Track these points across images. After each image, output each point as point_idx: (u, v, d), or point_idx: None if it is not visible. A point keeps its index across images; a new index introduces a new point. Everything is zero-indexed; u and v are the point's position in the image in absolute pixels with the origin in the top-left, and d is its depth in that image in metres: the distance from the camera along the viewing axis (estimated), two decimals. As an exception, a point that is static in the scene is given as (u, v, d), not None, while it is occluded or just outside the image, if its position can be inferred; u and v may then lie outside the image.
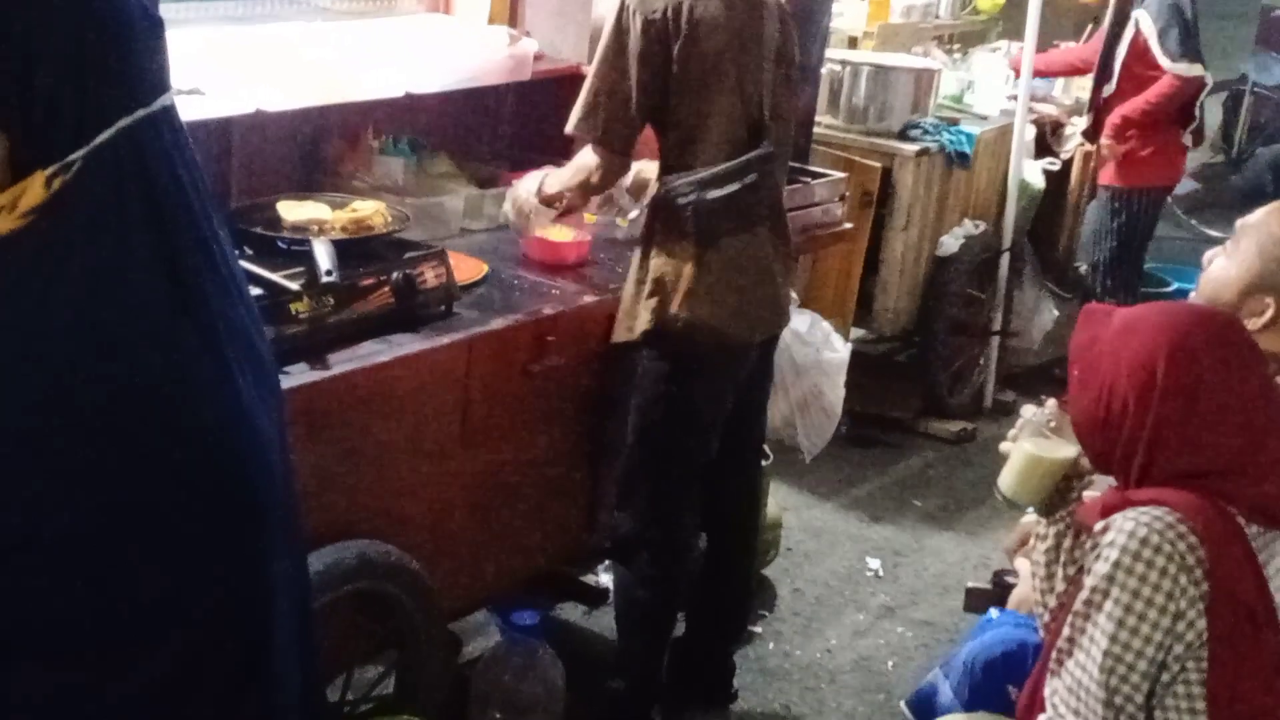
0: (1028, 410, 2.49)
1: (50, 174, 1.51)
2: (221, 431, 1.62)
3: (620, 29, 3.03)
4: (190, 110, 1.72)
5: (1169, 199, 6.39)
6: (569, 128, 3.12)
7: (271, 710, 1.74)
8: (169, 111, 1.61)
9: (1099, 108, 5.64)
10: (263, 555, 1.70)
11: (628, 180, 3.27)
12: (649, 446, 3.19)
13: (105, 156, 1.53)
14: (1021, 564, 2.68)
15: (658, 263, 3.10)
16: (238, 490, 1.64)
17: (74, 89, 1.51)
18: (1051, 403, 2.48)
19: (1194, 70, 5.42)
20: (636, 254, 3.17)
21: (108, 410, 1.53)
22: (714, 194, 3.06)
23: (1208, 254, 2.68)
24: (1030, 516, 2.52)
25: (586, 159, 3.15)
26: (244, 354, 1.66)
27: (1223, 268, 2.60)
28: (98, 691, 1.59)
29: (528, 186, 3.27)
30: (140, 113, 1.55)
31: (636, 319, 3.12)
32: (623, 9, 3.03)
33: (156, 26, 1.60)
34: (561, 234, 3.44)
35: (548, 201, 3.25)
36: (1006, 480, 2.45)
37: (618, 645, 3.41)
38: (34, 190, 1.51)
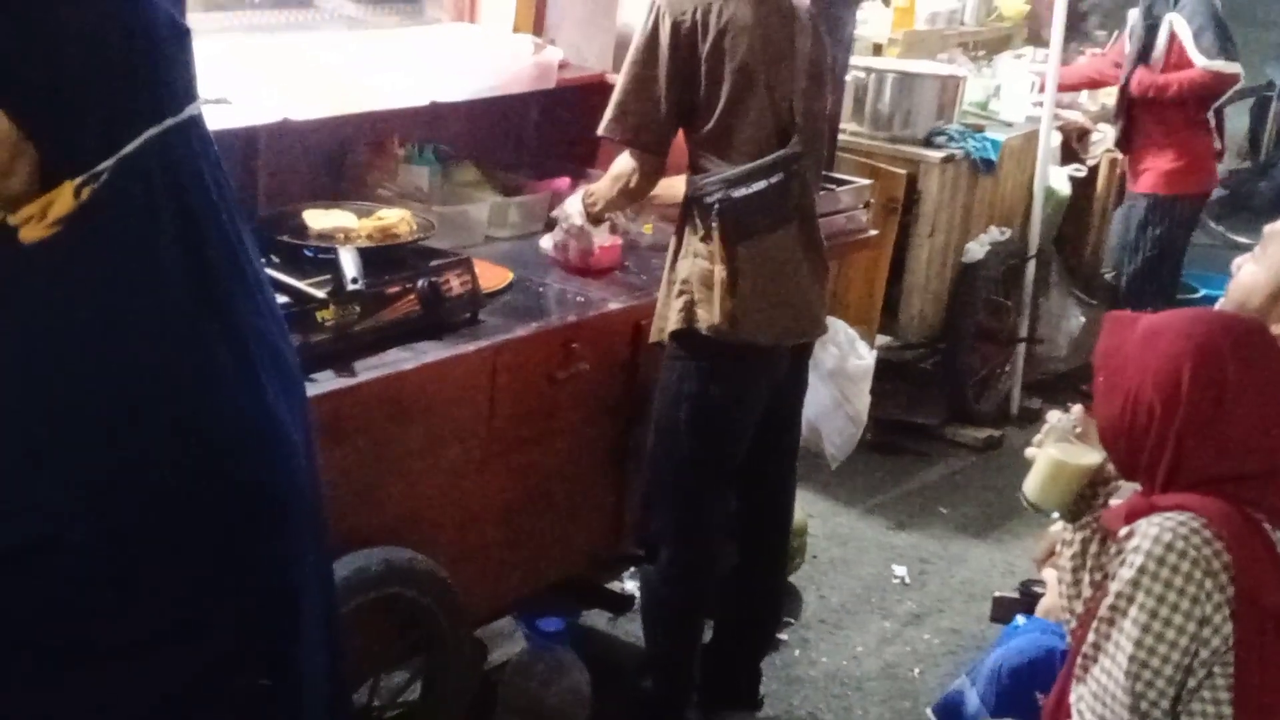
0: (1053, 416, 2.48)
1: (79, 183, 1.52)
2: (247, 436, 1.62)
3: (651, 31, 3.05)
4: (217, 119, 1.73)
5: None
6: (600, 129, 3.14)
7: (297, 715, 1.75)
8: (197, 121, 1.62)
9: (1130, 116, 5.63)
10: (288, 559, 1.71)
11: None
12: (670, 447, 3.19)
13: (134, 166, 1.54)
14: (1049, 574, 2.68)
15: (685, 264, 3.11)
16: (262, 494, 1.65)
17: (102, 99, 1.52)
18: (1077, 409, 2.48)
19: (1230, 68, 5.40)
20: (668, 254, 3.18)
21: (134, 414, 1.54)
22: (741, 192, 3.06)
23: (1237, 260, 2.68)
24: (1058, 525, 2.51)
25: (623, 164, 3.18)
26: (269, 359, 1.67)
27: (1251, 273, 2.60)
28: (122, 694, 1.60)
29: (575, 208, 3.31)
30: (168, 122, 1.56)
31: (667, 320, 3.13)
32: (653, 11, 3.06)
33: (184, 36, 1.61)
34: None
35: (597, 219, 3.32)
36: (1032, 486, 2.45)
37: (645, 646, 3.41)
38: (63, 199, 1.52)
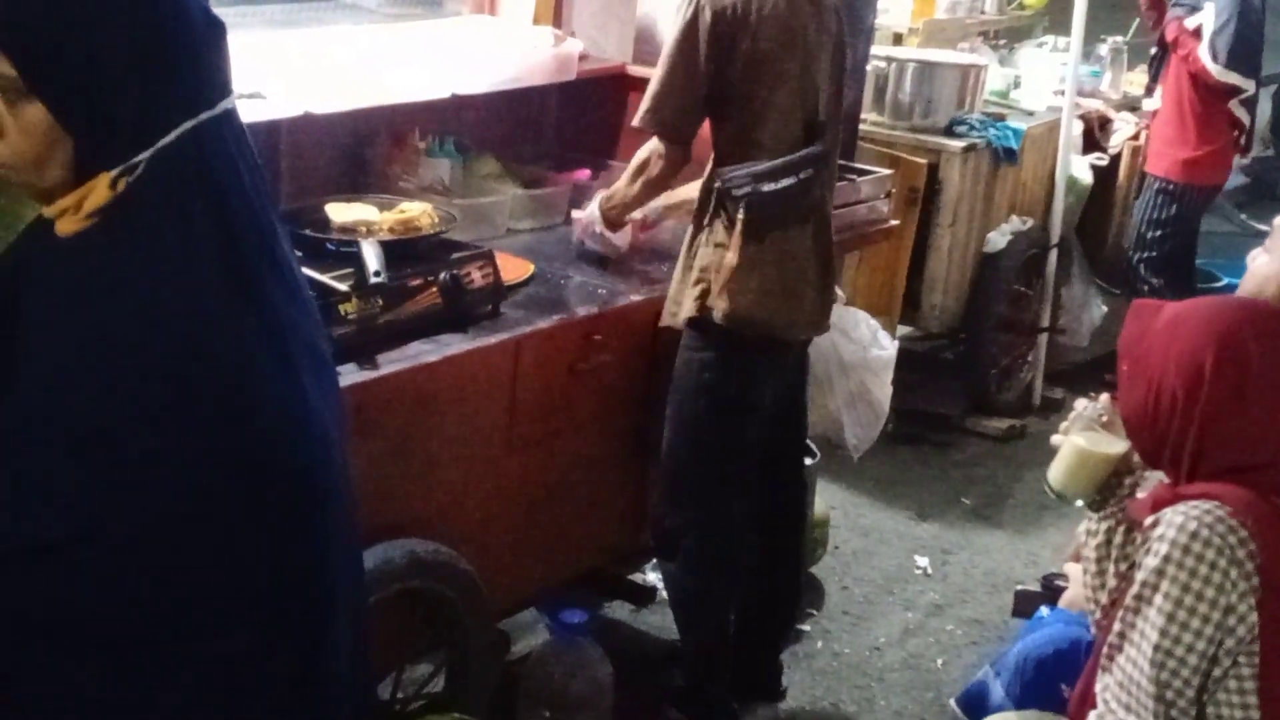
0: (1080, 404, 2.48)
1: (115, 175, 1.52)
2: (285, 428, 1.62)
3: (690, 21, 3.03)
4: (240, 114, 1.74)
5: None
6: (636, 120, 3.14)
7: (327, 708, 1.75)
8: (231, 114, 1.62)
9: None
10: (325, 551, 1.71)
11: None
12: (692, 439, 3.20)
13: (170, 158, 1.54)
14: (1072, 567, 2.67)
15: (705, 251, 3.12)
16: (301, 485, 1.65)
17: (138, 91, 1.52)
18: (1104, 398, 2.47)
19: (1228, 77, 5.40)
20: (685, 240, 3.19)
21: (172, 407, 1.54)
22: (769, 187, 3.06)
23: (1252, 253, 2.68)
24: (1085, 525, 2.51)
25: (646, 152, 3.18)
26: (304, 350, 1.67)
27: (1265, 264, 2.60)
28: (154, 685, 1.60)
29: (595, 216, 3.33)
30: (204, 115, 1.57)
31: (681, 305, 3.14)
32: (692, 2, 3.04)
33: (218, 29, 1.62)
34: None
35: (616, 224, 3.32)
36: (1056, 473, 2.45)
37: (680, 640, 3.42)
38: (99, 192, 1.52)
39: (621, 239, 3.38)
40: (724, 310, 3.08)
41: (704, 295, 3.10)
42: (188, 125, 1.55)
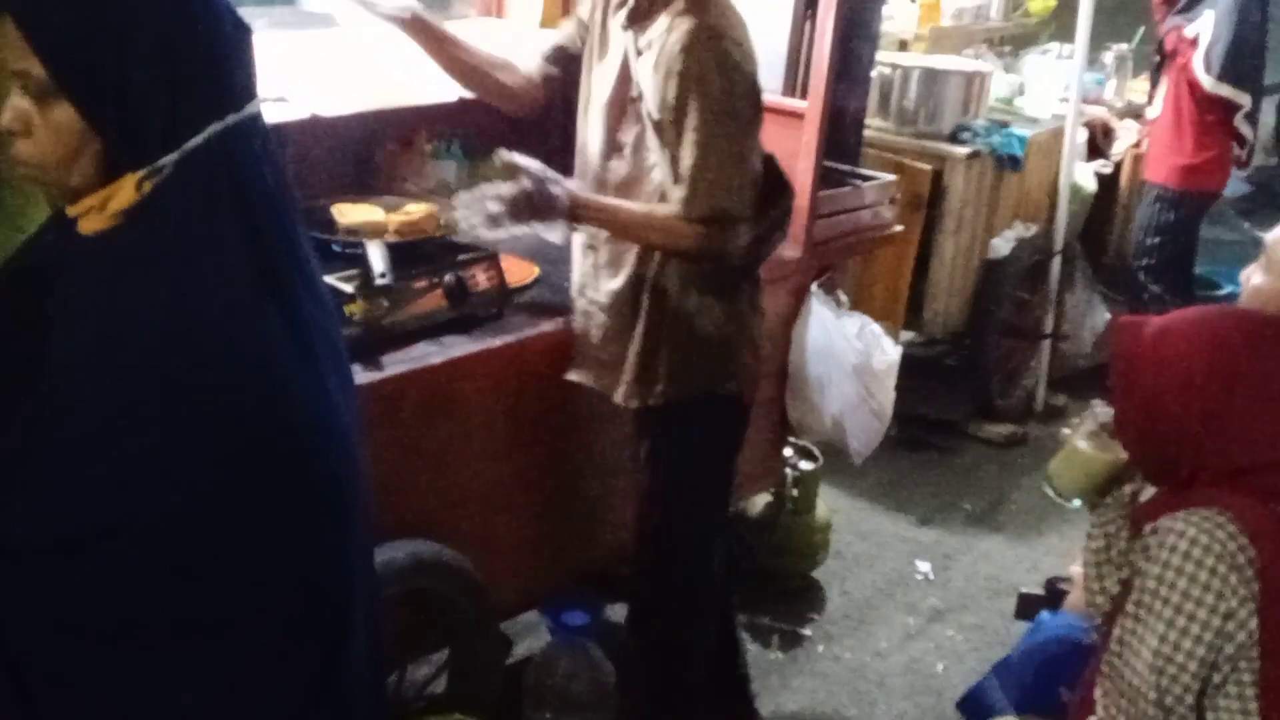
0: (1098, 404, 2.50)
1: (141, 177, 1.53)
2: (310, 424, 1.63)
3: (736, 79, 2.67)
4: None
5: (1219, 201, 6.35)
6: (715, 210, 2.67)
7: (347, 704, 1.76)
8: (257, 118, 1.63)
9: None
10: (344, 550, 1.72)
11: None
12: (701, 523, 3.04)
13: (197, 160, 1.55)
14: (1074, 570, 2.69)
15: (704, 323, 2.85)
16: (324, 482, 1.66)
17: (166, 93, 1.53)
18: None
19: (1221, 90, 5.38)
20: (645, 313, 2.87)
21: (197, 403, 1.54)
22: (765, 251, 2.92)
23: (1245, 272, 2.69)
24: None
25: (724, 244, 2.71)
26: (326, 348, 1.69)
27: (1265, 283, 2.61)
28: (179, 681, 1.61)
29: (560, 195, 2.81)
30: (231, 118, 1.58)
31: (655, 384, 2.88)
32: (725, 58, 2.65)
33: (245, 33, 1.63)
34: None
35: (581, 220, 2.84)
36: (1056, 473, 2.48)
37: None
38: (125, 192, 1.54)
39: (562, 234, 2.89)
40: (729, 382, 2.91)
41: (709, 372, 2.89)
42: (215, 128, 1.56)
